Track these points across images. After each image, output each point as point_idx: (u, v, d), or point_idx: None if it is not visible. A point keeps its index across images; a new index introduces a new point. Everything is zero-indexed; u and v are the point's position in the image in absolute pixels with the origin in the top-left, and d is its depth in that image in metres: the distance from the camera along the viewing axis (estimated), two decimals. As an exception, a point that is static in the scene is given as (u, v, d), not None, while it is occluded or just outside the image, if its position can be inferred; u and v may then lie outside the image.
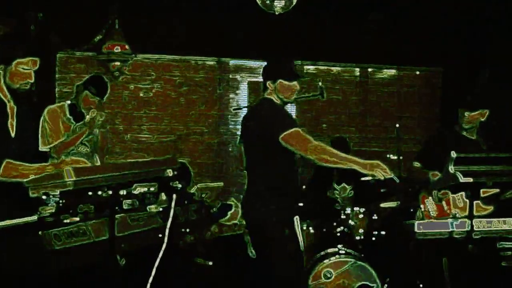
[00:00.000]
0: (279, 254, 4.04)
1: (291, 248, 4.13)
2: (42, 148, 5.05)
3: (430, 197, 4.84)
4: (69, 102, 5.45)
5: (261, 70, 4.42)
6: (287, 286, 4.06)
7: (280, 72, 4.23)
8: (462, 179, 3.79)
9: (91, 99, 5.35)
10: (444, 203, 4.79)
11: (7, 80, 3.54)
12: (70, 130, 5.31)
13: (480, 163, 3.87)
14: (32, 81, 3.57)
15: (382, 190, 5.62)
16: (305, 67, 8.03)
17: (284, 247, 4.06)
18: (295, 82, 4.24)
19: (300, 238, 4.22)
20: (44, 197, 2.88)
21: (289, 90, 4.23)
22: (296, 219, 4.19)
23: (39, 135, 5.02)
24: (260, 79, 4.39)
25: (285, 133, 3.99)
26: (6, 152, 3.47)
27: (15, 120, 3.58)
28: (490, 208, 4.67)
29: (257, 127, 4.23)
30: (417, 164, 5.29)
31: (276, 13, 6.39)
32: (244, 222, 4.70)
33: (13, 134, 3.55)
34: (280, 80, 4.20)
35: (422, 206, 4.82)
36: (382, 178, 3.84)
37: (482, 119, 5.04)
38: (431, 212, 4.77)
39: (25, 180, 2.96)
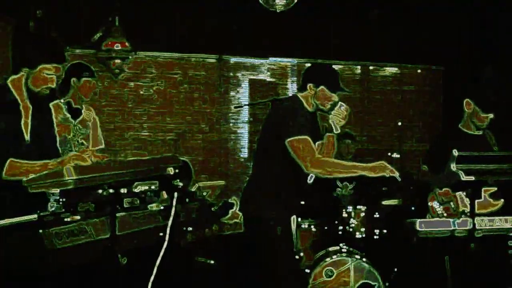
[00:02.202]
0: (270, 252, 4.05)
1: (281, 248, 4.13)
2: None
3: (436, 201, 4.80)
4: (62, 101, 5.42)
5: (304, 69, 4.40)
6: (278, 285, 4.06)
7: (326, 80, 4.20)
8: (464, 177, 3.77)
9: (75, 84, 5.22)
10: (451, 203, 4.74)
11: (29, 83, 3.57)
12: (70, 129, 5.29)
13: (484, 162, 3.85)
14: (54, 86, 3.61)
15: (384, 189, 5.61)
16: (306, 64, 8.02)
17: (275, 245, 4.06)
18: (335, 94, 4.21)
19: (294, 238, 4.23)
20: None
21: (327, 100, 4.19)
22: (293, 218, 4.18)
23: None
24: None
25: (293, 137, 3.97)
26: (20, 152, 3.47)
27: (30, 120, 3.58)
28: (500, 202, 4.64)
29: (274, 120, 4.22)
30: (424, 167, 5.28)
31: (278, 11, 6.38)
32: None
33: (27, 135, 3.56)
34: (323, 87, 4.17)
35: (430, 204, 4.77)
36: (388, 176, 3.89)
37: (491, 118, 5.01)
38: (438, 211, 4.72)
39: (24, 178, 2.94)
